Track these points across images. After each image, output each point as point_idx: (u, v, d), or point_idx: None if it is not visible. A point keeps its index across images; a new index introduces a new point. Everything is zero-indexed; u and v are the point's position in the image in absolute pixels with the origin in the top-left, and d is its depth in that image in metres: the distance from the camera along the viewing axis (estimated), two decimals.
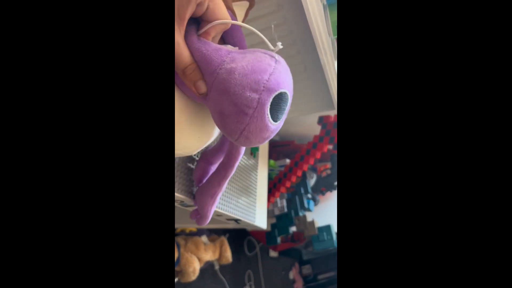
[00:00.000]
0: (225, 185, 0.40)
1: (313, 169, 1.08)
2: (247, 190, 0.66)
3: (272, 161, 1.03)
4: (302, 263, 1.53)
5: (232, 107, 0.23)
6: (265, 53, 0.25)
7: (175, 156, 0.34)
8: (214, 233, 1.04)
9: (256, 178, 0.72)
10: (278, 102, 0.24)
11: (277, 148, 1.14)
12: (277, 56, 0.25)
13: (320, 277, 1.49)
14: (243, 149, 0.36)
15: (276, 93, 0.23)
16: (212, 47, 0.25)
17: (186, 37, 0.26)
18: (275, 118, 0.25)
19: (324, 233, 0.89)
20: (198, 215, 0.43)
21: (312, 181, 1.05)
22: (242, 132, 0.24)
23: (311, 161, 0.86)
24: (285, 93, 0.24)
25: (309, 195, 0.97)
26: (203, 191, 0.41)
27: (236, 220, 0.63)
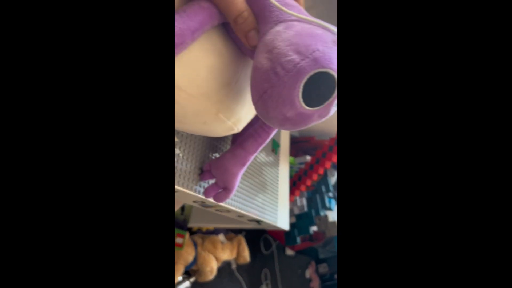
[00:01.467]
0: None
1: (335, 166, 1.03)
2: (268, 188, 0.63)
3: (291, 158, 0.99)
4: (318, 261, 1.49)
5: (266, 62, 0.20)
6: (333, 33, 0.20)
7: (226, 132, 0.31)
8: (230, 231, 1.02)
9: (277, 176, 0.69)
10: (320, 83, 0.19)
11: (296, 144, 1.09)
12: None
13: (337, 276, 1.45)
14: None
15: (323, 70, 0.18)
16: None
17: None
18: (308, 101, 0.19)
19: None
20: (219, 189, 0.36)
21: (333, 179, 1.00)
22: (263, 94, 0.20)
23: (334, 159, 0.82)
24: (334, 77, 0.19)
25: (331, 194, 0.93)
26: (230, 159, 0.34)
27: (258, 221, 0.60)
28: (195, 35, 0.22)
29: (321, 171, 0.86)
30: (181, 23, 0.21)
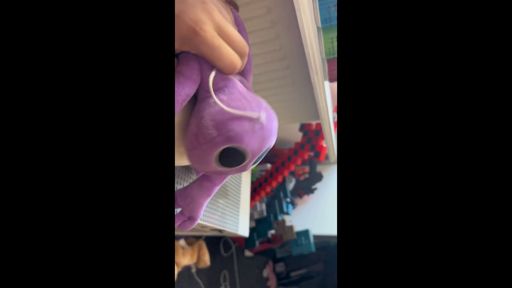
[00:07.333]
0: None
1: (293, 174, 1.10)
2: (230, 196, 0.66)
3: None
4: (276, 261, 1.56)
5: (194, 127, 0.25)
6: (256, 110, 0.25)
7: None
8: (191, 235, 1.03)
9: (240, 184, 0.72)
10: (232, 154, 0.25)
11: None
12: (264, 117, 0.25)
13: (292, 274, 1.54)
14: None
15: (232, 145, 0.24)
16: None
17: None
18: (224, 163, 0.25)
19: (302, 238, 0.91)
20: (185, 218, 0.38)
21: (291, 185, 1.07)
22: (190, 151, 0.26)
23: (292, 167, 0.88)
24: (243, 151, 0.24)
25: (288, 199, 0.99)
26: (197, 190, 0.36)
27: (220, 230, 0.62)
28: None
29: (280, 178, 0.92)
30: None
